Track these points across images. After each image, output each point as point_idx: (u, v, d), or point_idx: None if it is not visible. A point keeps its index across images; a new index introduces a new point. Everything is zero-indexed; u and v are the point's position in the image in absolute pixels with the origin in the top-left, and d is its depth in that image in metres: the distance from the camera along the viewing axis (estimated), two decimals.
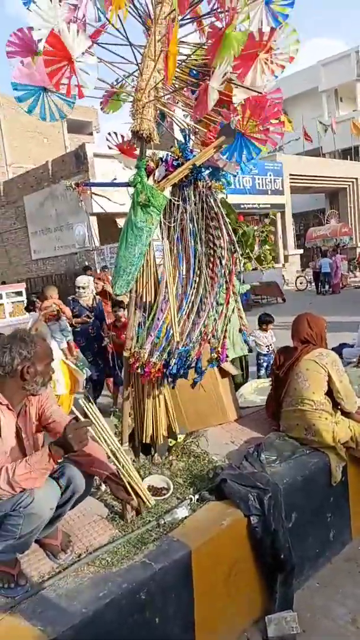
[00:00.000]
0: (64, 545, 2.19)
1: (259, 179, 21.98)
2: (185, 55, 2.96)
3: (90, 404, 2.25)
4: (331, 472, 2.92)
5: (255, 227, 18.28)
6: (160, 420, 2.98)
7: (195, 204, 3.01)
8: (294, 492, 2.69)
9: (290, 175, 23.43)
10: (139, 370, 2.65)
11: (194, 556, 2.17)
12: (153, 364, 2.62)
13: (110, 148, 3.56)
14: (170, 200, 2.96)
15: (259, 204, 21.77)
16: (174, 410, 3.03)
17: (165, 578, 2.06)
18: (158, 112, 3.16)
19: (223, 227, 3.01)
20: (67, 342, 5.54)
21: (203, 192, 3.00)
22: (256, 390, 4.40)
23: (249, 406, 3.93)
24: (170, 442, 3.18)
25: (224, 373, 3.48)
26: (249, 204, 21.32)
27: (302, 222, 30.20)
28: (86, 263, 17.29)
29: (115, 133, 3.48)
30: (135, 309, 2.96)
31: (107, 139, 3.50)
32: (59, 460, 1.99)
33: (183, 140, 3.06)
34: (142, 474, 2.76)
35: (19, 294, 11.18)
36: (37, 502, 1.92)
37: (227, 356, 2.87)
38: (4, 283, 15.32)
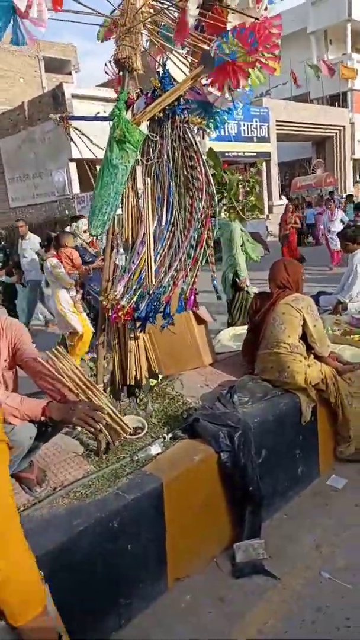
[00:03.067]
0: (40, 479, 2.26)
1: (244, 125, 21.38)
2: None
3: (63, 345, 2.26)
4: (301, 412, 3.02)
5: (241, 176, 17.89)
6: (142, 361, 3.01)
7: (173, 141, 2.92)
8: (264, 430, 2.78)
9: (277, 122, 22.82)
10: (109, 313, 2.65)
11: (165, 488, 2.25)
12: (122, 306, 2.61)
13: (107, 74, 3.37)
14: (147, 136, 2.86)
15: (244, 152, 21.27)
16: (153, 351, 3.05)
17: (137, 508, 2.15)
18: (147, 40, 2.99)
19: (202, 167, 2.93)
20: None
21: (180, 127, 2.90)
22: (233, 337, 4.46)
23: (225, 352, 3.99)
24: (152, 382, 3.21)
25: (199, 320, 3.50)
26: (233, 152, 20.81)
27: (287, 171, 29.69)
28: (67, 212, 16.91)
29: (112, 62, 3.30)
30: (112, 251, 2.92)
31: (105, 67, 3.33)
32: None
33: (162, 70, 2.92)
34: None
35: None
36: (17, 429, 1.98)
37: (194, 303, 2.87)
38: None
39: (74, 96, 16.41)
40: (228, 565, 2.51)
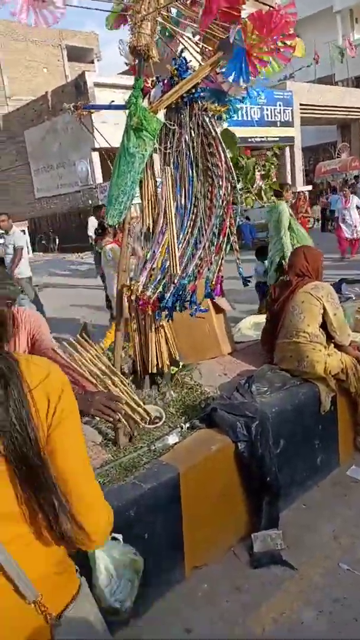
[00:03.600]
0: None
1: (267, 109, 20.97)
2: None
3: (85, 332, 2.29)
4: (321, 402, 2.98)
5: (257, 160, 17.59)
6: (163, 349, 3.02)
7: (191, 129, 2.88)
8: (282, 420, 2.76)
9: (301, 105, 22.31)
10: (132, 302, 2.66)
11: (182, 478, 2.26)
12: (148, 297, 2.61)
13: (122, 55, 3.36)
14: (164, 124, 2.84)
15: (267, 137, 20.90)
16: (173, 339, 3.05)
17: (154, 498, 2.16)
18: (160, 27, 2.96)
19: (221, 153, 2.90)
20: None
21: (199, 115, 2.86)
22: (253, 326, 4.43)
23: (245, 341, 3.96)
24: (173, 369, 3.21)
25: (218, 309, 3.48)
26: (256, 137, 20.47)
27: (311, 156, 29.08)
28: (90, 201, 16.98)
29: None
30: (129, 241, 2.92)
31: (119, 48, 3.31)
32: None
33: (179, 58, 2.89)
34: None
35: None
36: None
37: (221, 291, 2.86)
38: None
39: (96, 85, 16.40)
40: (246, 555, 2.52)
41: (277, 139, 21.00)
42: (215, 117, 2.99)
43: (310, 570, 2.40)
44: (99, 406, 2.00)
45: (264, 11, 2.58)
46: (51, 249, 18.33)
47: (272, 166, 19.28)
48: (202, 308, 2.74)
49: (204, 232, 2.81)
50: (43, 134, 19.08)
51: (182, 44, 3.10)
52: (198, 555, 2.41)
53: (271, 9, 2.56)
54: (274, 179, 19.02)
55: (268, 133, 20.93)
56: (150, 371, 3.00)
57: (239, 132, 19.38)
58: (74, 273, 13.85)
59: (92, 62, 30.87)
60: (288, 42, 2.75)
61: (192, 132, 2.85)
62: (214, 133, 2.86)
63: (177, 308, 2.64)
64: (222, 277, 2.74)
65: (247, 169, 16.07)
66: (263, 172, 17.69)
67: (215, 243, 2.77)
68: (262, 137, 20.74)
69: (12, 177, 21.83)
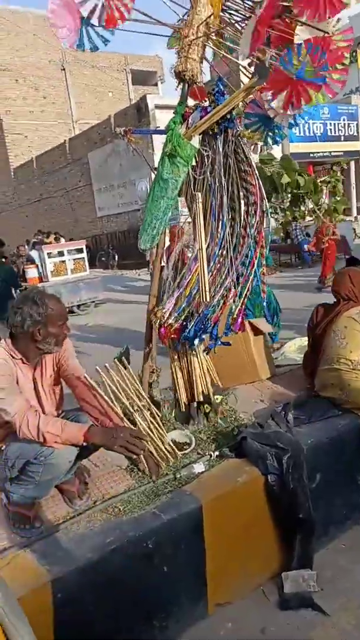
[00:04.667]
0: (81, 491, 2.29)
1: (330, 124, 20.62)
2: None
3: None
4: None
5: (322, 178, 17.18)
6: (207, 376, 2.97)
7: (228, 155, 2.85)
8: (319, 452, 2.62)
9: None
10: (157, 329, 2.63)
11: (204, 510, 2.19)
12: (169, 325, 2.58)
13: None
14: (199, 150, 2.82)
15: (330, 152, 20.50)
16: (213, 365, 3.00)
17: (174, 529, 2.10)
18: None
19: (256, 181, 2.84)
20: None
21: (233, 141, 2.83)
22: (300, 349, 4.27)
23: (288, 364, 3.83)
24: (217, 398, 3.12)
25: (257, 331, 3.39)
26: (319, 152, 20.15)
27: None
28: None
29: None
30: (162, 267, 2.92)
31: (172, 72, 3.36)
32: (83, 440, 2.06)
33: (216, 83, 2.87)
34: (166, 428, 2.78)
35: (80, 251, 11.45)
36: (57, 453, 2.03)
37: (241, 325, 2.76)
38: (71, 240, 15.66)
39: (157, 107, 16.79)
40: (275, 595, 2.39)
41: (341, 153, 20.52)
42: (255, 144, 2.94)
43: (343, 618, 2.23)
44: (123, 443, 2.02)
45: (319, 37, 2.49)
46: (111, 266, 18.81)
47: (339, 182, 18.80)
48: (222, 342, 2.66)
49: (234, 260, 2.75)
50: (105, 155, 19.74)
51: (228, 65, 3.09)
52: (222, 592, 2.31)
53: (326, 34, 2.48)
54: (343, 195, 18.50)
55: (331, 148, 20.55)
56: (197, 399, 2.95)
57: (301, 147, 19.14)
58: (130, 289, 14.10)
59: (156, 84, 31.67)
60: (337, 77, 2.64)
61: (229, 158, 2.81)
62: (248, 160, 2.81)
63: (199, 338, 2.58)
64: (245, 309, 2.65)
65: (307, 187, 15.68)
66: (330, 190, 17.21)
67: (243, 274, 2.69)
68: (325, 152, 20.38)
69: (76, 197, 22.71)
